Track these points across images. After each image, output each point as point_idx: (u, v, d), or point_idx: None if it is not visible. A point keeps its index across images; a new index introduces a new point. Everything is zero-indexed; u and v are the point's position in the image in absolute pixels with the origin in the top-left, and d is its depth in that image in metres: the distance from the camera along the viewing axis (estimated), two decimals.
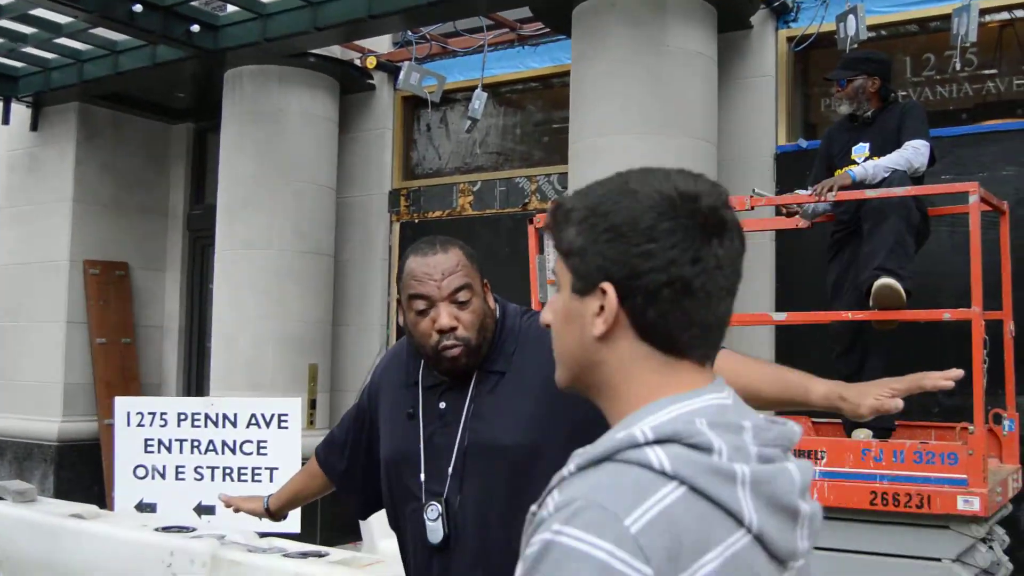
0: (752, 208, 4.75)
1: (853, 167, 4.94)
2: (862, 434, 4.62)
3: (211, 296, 9.18)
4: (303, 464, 5.85)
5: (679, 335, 1.22)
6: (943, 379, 1.91)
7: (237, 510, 2.95)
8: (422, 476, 2.20)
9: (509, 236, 8.37)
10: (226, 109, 8.96)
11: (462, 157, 9.30)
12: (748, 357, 2.19)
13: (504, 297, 2.35)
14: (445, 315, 2.14)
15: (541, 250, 5.24)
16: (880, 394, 1.92)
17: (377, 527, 5.24)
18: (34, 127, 10.56)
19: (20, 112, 10.55)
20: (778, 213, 5.61)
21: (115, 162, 10.58)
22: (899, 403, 1.91)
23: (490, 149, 9.15)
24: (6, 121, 10.47)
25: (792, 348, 7.05)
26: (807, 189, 5.12)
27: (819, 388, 2.04)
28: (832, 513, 4.44)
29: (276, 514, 2.87)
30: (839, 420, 5.16)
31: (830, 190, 4.72)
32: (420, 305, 2.17)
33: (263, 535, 4.57)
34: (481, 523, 2.13)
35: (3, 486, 5.10)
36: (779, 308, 6.90)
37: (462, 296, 2.16)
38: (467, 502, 2.14)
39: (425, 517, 2.17)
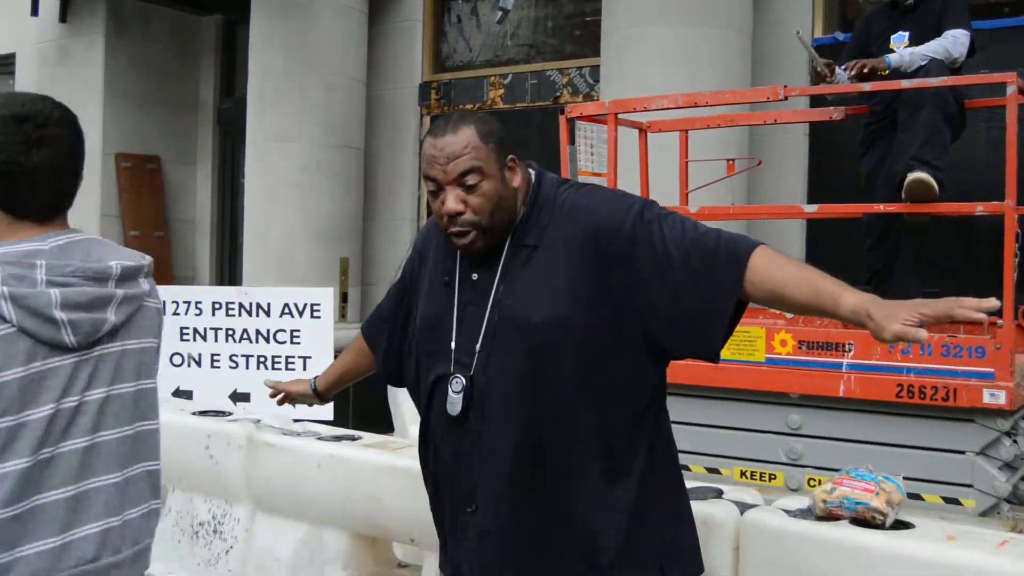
0: (785, 98, 4.67)
1: (890, 55, 4.85)
2: None
3: (242, 190, 9.23)
4: (335, 355, 5.95)
5: (15, 206, 1.94)
6: (975, 311, 1.85)
7: (279, 396, 2.97)
8: (452, 344, 2.22)
9: (540, 129, 8.32)
10: (255, 1, 8.88)
11: (493, 50, 9.20)
12: (785, 257, 2.14)
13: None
14: (451, 199, 2.12)
15: (572, 141, 5.22)
16: (907, 319, 1.86)
17: (409, 414, 5.33)
18: (63, 18, 10.53)
19: (49, 3, 10.50)
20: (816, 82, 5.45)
21: (145, 55, 10.57)
22: (923, 334, 1.85)
23: (521, 41, 9.05)
24: (35, 12, 10.44)
25: (823, 241, 7.04)
26: (837, 65, 5.04)
27: (849, 301, 1.98)
28: (858, 405, 4.49)
29: (324, 395, 2.89)
30: None
31: (864, 69, 4.64)
32: (431, 187, 2.17)
33: (297, 421, 4.67)
34: (504, 398, 2.15)
35: None
36: (812, 201, 6.88)
37: (470, 180, 2.11)
38: (492, 378, 2.16)
39: (449, 388, 2.19)
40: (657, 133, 5.68)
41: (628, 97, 5.65)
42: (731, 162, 5.59)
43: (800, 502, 3.12)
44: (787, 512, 3.02)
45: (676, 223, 2.13)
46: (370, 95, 9.28)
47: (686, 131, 5.64)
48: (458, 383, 2.17)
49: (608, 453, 2.15)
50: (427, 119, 9.36)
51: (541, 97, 8.61)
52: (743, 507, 3.14)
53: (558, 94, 8.51)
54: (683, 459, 4.76)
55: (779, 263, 2.09)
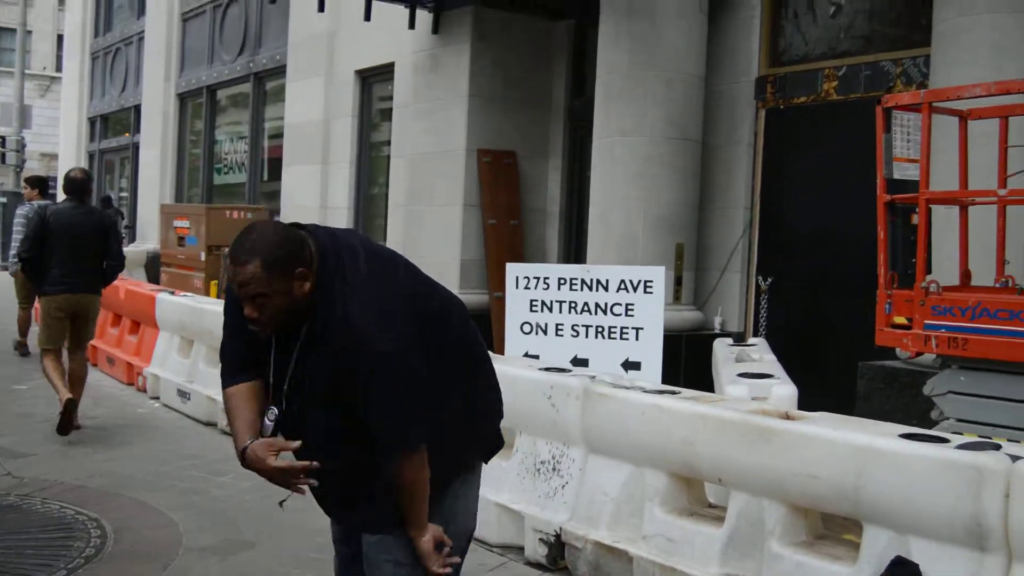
0: None
1: None
2: None
3: (589, 181, 10.01)
4: (662, 327, 6.52)
5: None
6: None
7: (303, 484, 3.32)
8: (271, 381, 2.91)
9: (873, 120, 8.45)
10: (604, 5, 9.58)
11: (828, 42, 9.40)
12: (414, 480, 2.84)
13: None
14: (247, 309, 2.73)
15: (888, 129, 5.50)
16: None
17: (726, 375, 5.84)
18: (435, 30, 11.82)
19: (423, 17, 11.84)
20: None
21: (504, 60, 11.65)
22: None
23: (856, 33, 9.19)
24: (412, 26, 11.78)
25: None
26: None
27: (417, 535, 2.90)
28: None
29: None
30: None
31: None
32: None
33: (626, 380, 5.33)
34: (300, 429, 2.84)
35: None
36: None
37: (258, 301, 2.71)
38: (292, 414, 2.87)
39: (265, 416, 2.88)
40: (978, 120, 5.82)
41: (955, 86, 5.81)
42: None
43: None
44: None
45: (385, 393, 2.71)
46: (708, 90, 9.75)
47: (1006, 117, 5.74)
48: (272, 414, 2.89)
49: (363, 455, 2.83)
50: (763, 112, 9.74)
51: (875, 87, 8.69)
52: (1015, 458, 3.44)
53: (891, 84, 8.59)
54: (982, 431, 4.99)
55: (407, 482, 2.80)
